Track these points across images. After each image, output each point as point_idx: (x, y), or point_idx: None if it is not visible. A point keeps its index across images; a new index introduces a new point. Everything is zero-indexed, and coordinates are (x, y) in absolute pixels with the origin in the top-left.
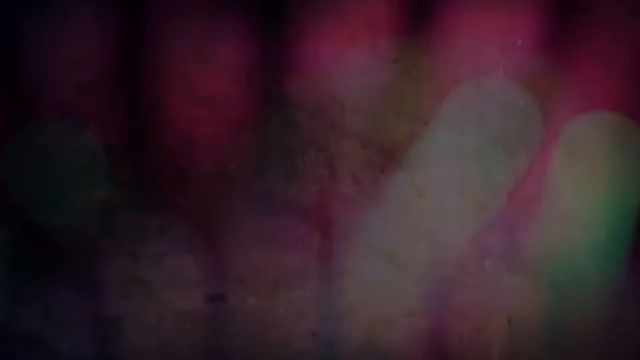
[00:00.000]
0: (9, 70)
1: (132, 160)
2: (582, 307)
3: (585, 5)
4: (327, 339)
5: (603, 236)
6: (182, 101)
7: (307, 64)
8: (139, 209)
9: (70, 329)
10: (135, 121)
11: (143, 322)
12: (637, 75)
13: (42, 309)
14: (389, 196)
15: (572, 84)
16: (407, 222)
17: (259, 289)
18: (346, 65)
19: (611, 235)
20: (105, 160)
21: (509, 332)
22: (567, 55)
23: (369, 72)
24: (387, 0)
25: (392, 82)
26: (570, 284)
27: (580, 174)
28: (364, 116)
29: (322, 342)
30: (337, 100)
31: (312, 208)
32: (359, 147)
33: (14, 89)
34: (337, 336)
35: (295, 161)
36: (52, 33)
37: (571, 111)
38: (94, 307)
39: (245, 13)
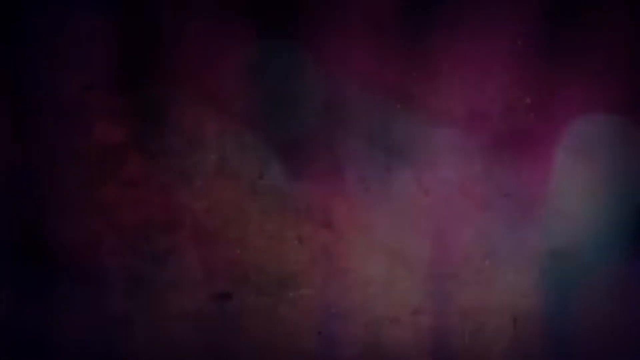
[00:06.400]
0: (16, 70)
1: (138, 159)
2: (587, 305)
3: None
4: (333, 337)
5: (607, 235)
6: (188, 101)
7: (315, 64)
8: (144, 207)
9: (76, 327)
10: (141, 120)
11: (148, 320)
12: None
13: (46, 307)
14: (395, 195)
15: (573, 85)
16: (413, 220)
17: (265, 287)
18: (353, 64)
19: (615, 234)
20: (111, 159)
21: (514, 331)
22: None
23: (375, 71)
24: (393, 3)
25: (397, 82)
26: (574, 282)
27: (583, 173)
28: (370, 115)
29: (328, 340)
30: (343, 98)
31: (318, 206)
32: (365, 145)
33: (21, 88)
34: (342, 334)
35: (301, 159)
36: (60, 35)
37: (574, 112)
38: (99, 305)
39: (253, 15)
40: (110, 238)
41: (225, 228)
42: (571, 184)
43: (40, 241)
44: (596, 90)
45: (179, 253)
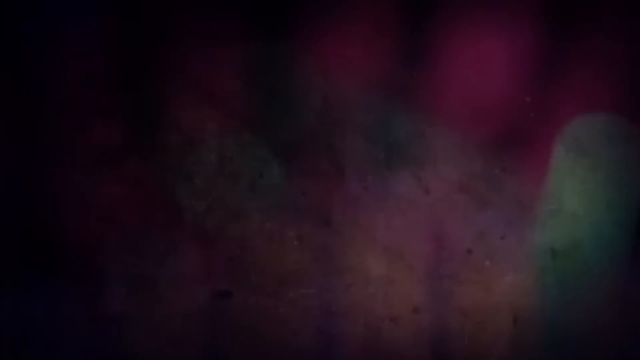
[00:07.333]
0: (15, 69)
1: (137, 158)
2: (587, 305)
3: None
4: (333, 336)
5: (608, 235)
6: (187, 99)
7: (314, 63)
8: (144, 207)
9: (75, 327)
10: (140, 119)
11: (148, 320)
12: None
13: (46, 307)
14: (395, 193)
15: (573, 84)
16: (413, 219)
17: (265, 287)
18: (352, 62)
19: (616, 233)
20: (110, 157)
21: (514, 330)
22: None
23: (375, 69)
24: (393, 1)
25: (397, 80)
26: (575, 282)
27: (583, 172)
28: (369, 113)
29: (328, 339)
30: (343, 97)
31: (318, 205)
32: (365, 143)
33: (23, 87)
34: (342, 333)
35: (301, 158)
36: (59, 33)
37: (574, 110)
38: (99, 305)
39: (253, 13)
40: (110, 238)
41: (225, 228)
42: (571, 183)
43: (40, 241)
44: (596, 90)
45: (179, 253)
